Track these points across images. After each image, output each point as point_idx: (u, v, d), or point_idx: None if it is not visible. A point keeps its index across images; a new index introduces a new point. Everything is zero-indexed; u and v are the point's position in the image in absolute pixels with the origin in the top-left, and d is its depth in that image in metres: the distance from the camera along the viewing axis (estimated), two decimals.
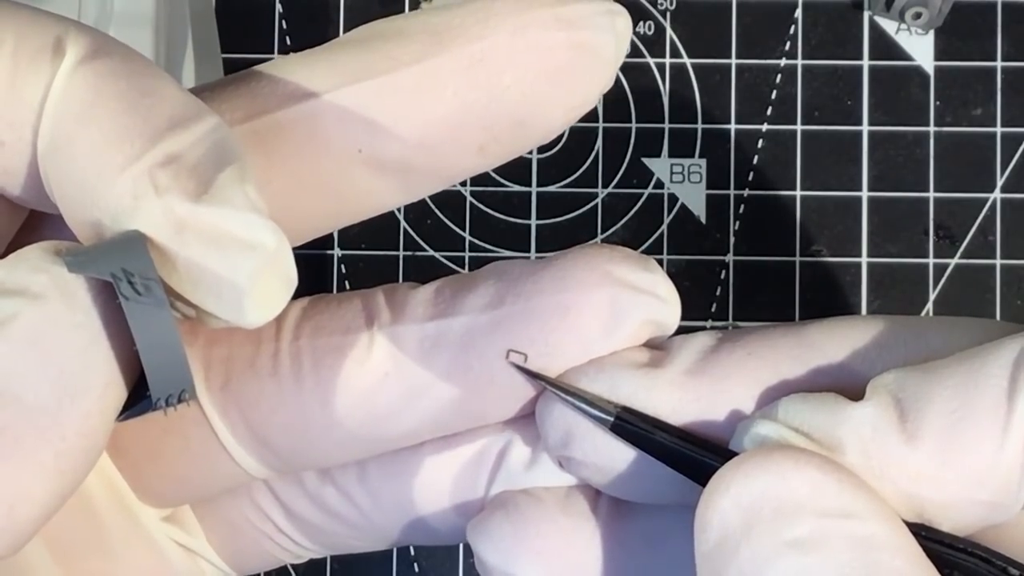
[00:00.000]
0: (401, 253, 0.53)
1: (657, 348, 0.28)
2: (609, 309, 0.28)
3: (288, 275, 0.24)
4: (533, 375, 0.27)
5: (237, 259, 0.23)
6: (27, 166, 0.25)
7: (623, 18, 0.27)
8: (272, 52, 0.56)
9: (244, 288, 0.24)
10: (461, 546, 0.51)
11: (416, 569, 0.51)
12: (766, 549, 0.23)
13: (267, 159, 0.27)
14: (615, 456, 0.27)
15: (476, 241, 0.54)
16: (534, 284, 0.28)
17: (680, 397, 0.27)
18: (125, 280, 0.23)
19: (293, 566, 0.51)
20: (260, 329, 0.28)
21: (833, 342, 0.26)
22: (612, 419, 0.27)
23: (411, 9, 0.55)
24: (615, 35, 0.28)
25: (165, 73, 0.25)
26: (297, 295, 0.28)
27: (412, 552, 0.51)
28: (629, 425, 0.27)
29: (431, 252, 0.54)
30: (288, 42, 0.56)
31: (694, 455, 0.26)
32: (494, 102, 0.27)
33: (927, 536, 0.24)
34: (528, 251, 0.54)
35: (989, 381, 0.24)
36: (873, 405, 0.24)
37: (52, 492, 0.24)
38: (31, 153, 0.25)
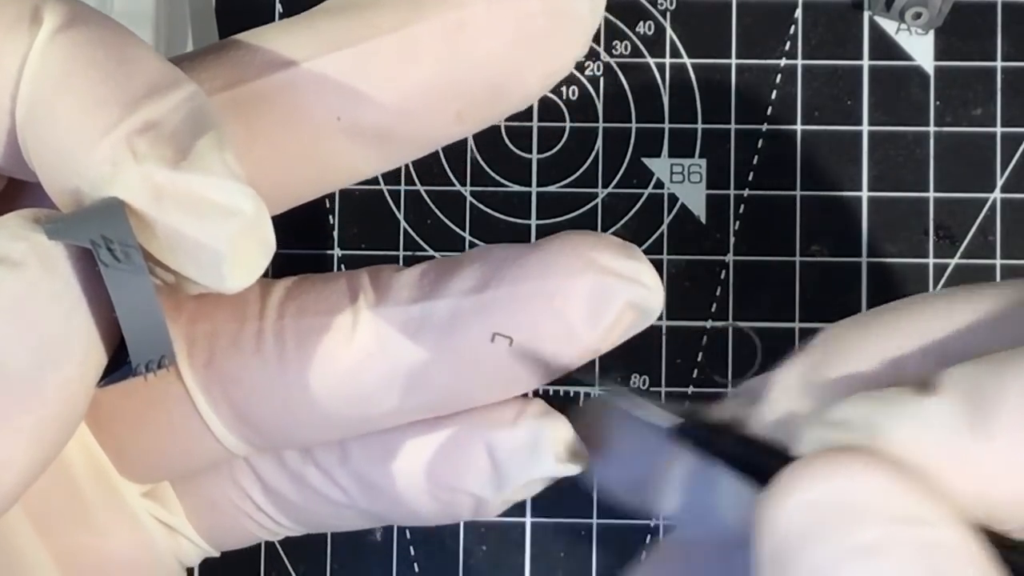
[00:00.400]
0: (401, 253, 0.53)
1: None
2: (592, 295, 0.28)
3: (267, 240, 0.24)
4: (630, 394, 0.27)
5: (216, 224, 0.23)
6: (5, 134, 0.25)
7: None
8: None
9: (223, 253, 0.24)
10: (461, 547, 0.51)
11: (416, 569, 0.51)
12: (831, 554, 0.22)
13: (246, 128, 0.27)
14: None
15: (476, 241, 0.54)
16: (519, 268, 0.28)
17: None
18: (104, 247, 0.23)
19: (292, 566, 0.51)
20: (244, 307, 0.29)
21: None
22: (674, 425, 0.26)
23: None
24: (591, 5, 0.28)
25: (143, 41, 0.25)
26: None
27: (412, 552, 0.51)
28: (692, 431, 0.26)
29: (431, 252, 0.54)
30: None
31: (759, 459, 0.26)
32: (472, 68, 0.27)
33: (999, 543, 0.23)
34: None
35: None
36: (943, 401, 0.24)
37: (33, 458, 0.24)
38: (9, 121, 0.25)
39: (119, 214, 0.23)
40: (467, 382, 0.28)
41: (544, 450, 0.30)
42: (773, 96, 0.53)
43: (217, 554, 0.34)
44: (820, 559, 0.23)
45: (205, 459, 0.30)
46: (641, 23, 0.53)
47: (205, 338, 0.28)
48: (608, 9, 0.54)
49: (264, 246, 0.24)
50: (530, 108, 0.54)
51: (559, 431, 0.30)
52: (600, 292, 0.27)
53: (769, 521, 0.23)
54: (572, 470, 0.30)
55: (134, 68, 0.24)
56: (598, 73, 0.53)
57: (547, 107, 0.53)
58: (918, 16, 0.52)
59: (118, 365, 0.25)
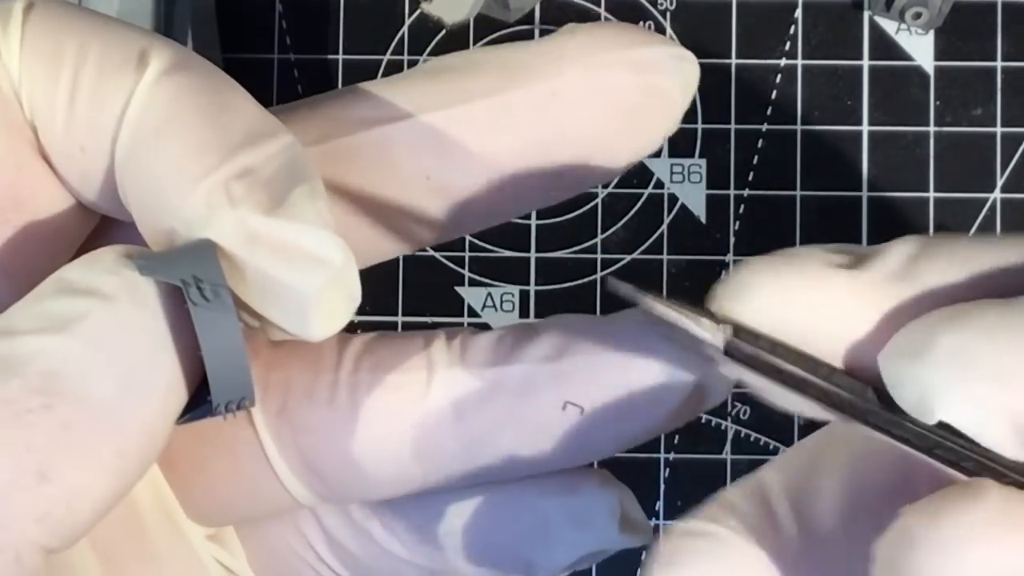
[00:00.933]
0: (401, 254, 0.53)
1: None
2: (664, 374, 0.28)
3: (352, 292, 0.25)
4: (638, 294, 0.25)
5: (305, 272, 0.24)
6: (104, 172, 0.26)
7: (692, 64, 0.27)
8: (272, 52, 0.56)
9: (310, 301, 0.24)
10: None
11: None
12: None
13: (335, 181, 0.27)
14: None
15: (476, 241, 0.54)
16: (595, 339, 0.28)
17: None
18: (194, 286, 0.24)
19: None
20: (320, 358, 0.29)
21: None
22: (724, 341, 0.24)
23: (411, 9, 0.55)
24: (684, 80, 0.28)
25: (243, 90, 0.26)
26: None
27: None
28: (744, 347, 0.24)
29: (431, 252, 0.54)
30: (288, 42, 0.56)
31: (822, 385, 0.23)
32: (562, 139, 0.28)
33: None
34: (528, 251, 0.54)
35: None
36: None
37: (110, 489, 0.24)
38: (108, 160, 0.25)
39: (211, 255, 0.24)
40: (535, 449, 0.28)
41: (602, 521, 0.30)
42: (773, 96, 0.53)
43: None
44: None
45: (271, 506, 0.30)
46: (641, 23, 0.53)
47: (279, 386, 0.29)
48: (608, 9, 0.54)
49: (350, 298, 0.25)
50: None
51: (620, 502, 0.30)
52: (671, 374, 0.28)
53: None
54: (632, 542, 0.31)
55: (234, 115, 0.25)
56: None
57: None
58: (918, 16, 0.52)
59: (198, 403, 0.25)
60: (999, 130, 0.53)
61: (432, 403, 0.28)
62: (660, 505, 0.54)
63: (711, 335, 0.24)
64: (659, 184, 0.53)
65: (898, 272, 0.24)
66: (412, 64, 0.56)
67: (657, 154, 0.53)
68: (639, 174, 0.53)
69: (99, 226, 0.28)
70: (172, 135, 0.25)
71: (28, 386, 0.23)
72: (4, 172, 0.26)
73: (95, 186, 0.26)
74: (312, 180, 0.25)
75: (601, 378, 0.28)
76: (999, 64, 0.53)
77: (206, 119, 0.25)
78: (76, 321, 0.23)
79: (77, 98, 0.25)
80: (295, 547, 0.32)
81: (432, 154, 0.28)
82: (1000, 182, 0.53)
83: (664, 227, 0.53)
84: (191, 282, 0.23)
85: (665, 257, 0.53)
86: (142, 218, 0.25)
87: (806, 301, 0.23)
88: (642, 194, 0.53)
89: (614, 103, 0.27)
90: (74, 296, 0.24)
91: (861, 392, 0.23)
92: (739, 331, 0.24)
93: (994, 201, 0.53)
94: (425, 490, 0.30)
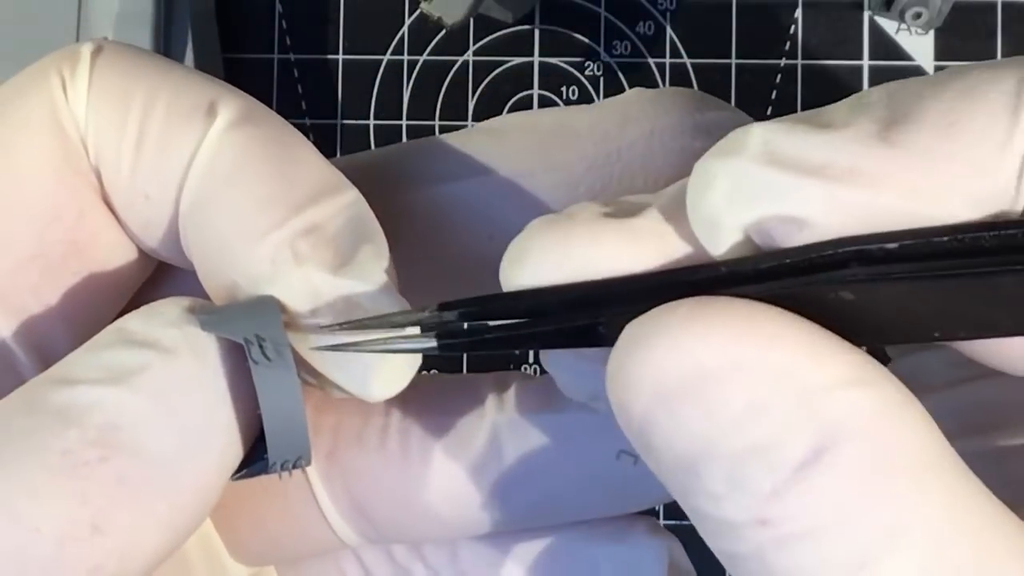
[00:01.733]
0: None
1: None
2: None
3: (414, 356, 0.24)
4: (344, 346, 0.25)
5: (368, 334, 0.24)
6: (168, 221, 0.25)
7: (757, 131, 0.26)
8: (272, 52, 0.56)
9: (373, 364, 0.24)
10: None
11: None
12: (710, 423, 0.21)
13: (396, 241, 0.27)
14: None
15: None
16: None
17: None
18: (256, 344, 0.23)
19: None
20: (370, 402, 0.29)
21: None
22: (434, 344, 0.24)
23: (411, 9, 0.55)
24: None
25: (309, 143, 0.26)
26: None
27: None
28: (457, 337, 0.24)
29: None
30: (288, 42, 0.56)
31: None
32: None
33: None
34: None
35: (989, 95, 0.21)
36: (861, 119, 0.22)
37: (162, 544, 0.24)
38: (173, 209, 0.25)
39: (274, 313, 0.23)
40: (585, 497, 0.28)
41: (651, 570, 0.30)
42: (773, 96, 0.53)
43: None
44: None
45: (316, 546, 0.30)
46: (641, 23, 0.53)
47: (330, 429, 0.29)
48: (608, 9, 0.54)
49: (411, 361, 0.25)
50: (530, 109, 0.54)
51: (669, 551, 0.30)
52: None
53: (624, 391, 0.21)
54: None
55: (301, 170, 0.25)
56: (598, 73, 0.53)
57: (547, 107, 0.53)
58: (918, 16, 0.52)
59: (253, 460, 0.25)
60: None
61: (481, 448, 0.28)
62: (659, 506, 0.54)
63: (417, 344, 0.24)
64: None
65: (666, 215, 0.23)
66: (412, 64, 0.56)
67: None
68: None
69: (157, 273, 0.28)
70: (239, 188, 0.24)
71: (86, 437, 0.23)
72: (67, 217, 0.26)
73: (158, 235, 0.26)
74: (377, 239, 0.25)
75: None
76: None
77: (273, 172, 0.25)
78: (136, 374, 0.23)
79: (144, 145, 0.25)
80: None
81: (493, 215, 0.28)
82: None
83: None
84: (253, 340, 0.23)
85: None
86: (204, 270, 0.25)
87: (583, 255, 0.23)
88: None
89: (677, 168, 0.27)
90: (134, 348, 0.23)
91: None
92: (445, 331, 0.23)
93: None
94: (473, 533, 0.30)
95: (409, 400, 0.29)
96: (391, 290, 0.24)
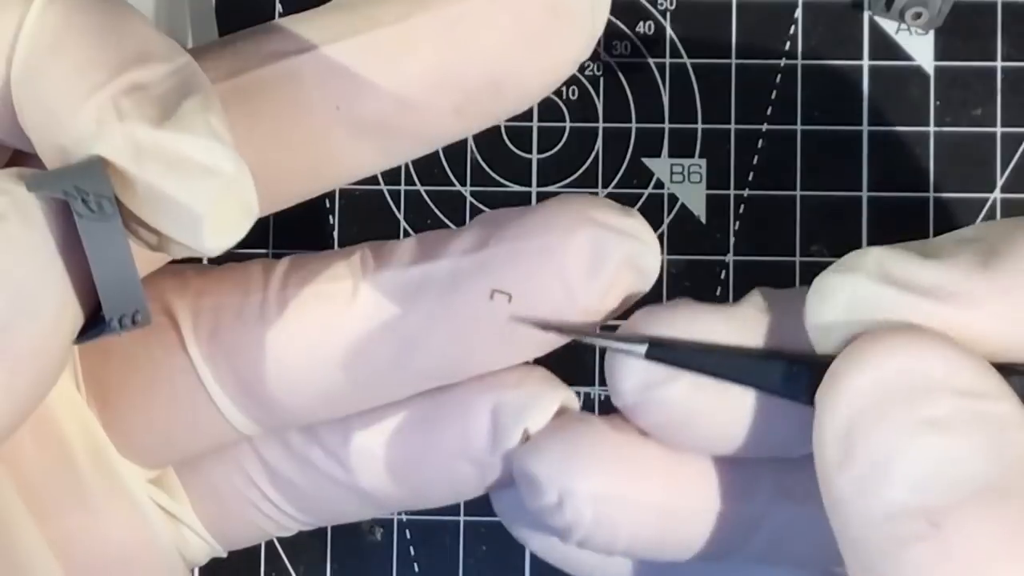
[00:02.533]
0: None
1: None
2: (591, 250, 0.28)
3: (248, 203, 0.24)
4: (551, 327, 0.27)
5: (195, 183, 0.24)
6: (1, 99, 0.25)
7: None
8: None
9: (202, 212, 0.24)
10: (461, 547, 0.51)
11: (416, 569, 0.51)
12: (901, 429, 0.23)
13: (248, 116, 0.27)
14: (693, 403, 0.27)
15: None
16: (518, 228, 0.28)
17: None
18: (79, 199, 0.23)
19: (292, 566, 0.51)
20: (248, 281, 0.29)
21: None
22: (644, 347, 0.27)
23: None
24: (592, 5, 0.28)
25: (141, 13, 0.26)
26: None
27: (412, 552, 0.51)
28: (666, 352, 0.27)
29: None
30: None
31: (758, 361, 0.27)
32: (470, 62, 0.28)
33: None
34: None
35: None
36: (965, 251, 0.25)
37: (6, 410, 0.24)
38: (4, 85, 0.25)
39: (97, 168, 0.23)
40: (467, 344, 0.28)
41: (547, 406, 0.30)
42: (773, 96, 0.53)
43: (224, 554, 0.34)
44: (888, 434, 0.23)
45: (210, 438, 0.30)
46: (641, 23, 0.53)
47: (210, 310, 0.29)
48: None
49: (245, 208, 0.24)
50: (530, 108, 0.54)
51: (563, 393, 0.30)
52: (597, 246, 0.28)
53: (835, 400, 0.24)
54: None
55: (127, 35, 0.25)
56: (598, 73, 0.53)
57: (547, 107, 0.53)
58: (918, 16, 0.52)
59: (93, 325, 0.25)
60: (999, 130, 0.53)
61: (360, 309, 0.28)
62: None
63: (634, 346, 0.27)
64: (659, 184, 0.53)
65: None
66: None
67: (657, 154, 0.53)
68: (639, 174, 0.53)
69: (11, 163, 0.28)
70: (62, 54, 0.24)
71: None
72: None
73: None
74: (205, 93, 0.24)
75: (526, 262, 0.28)
76: (999, 64, 0.53)
77: (96, 38, 0.24)
78: None
79: None
80: (238, 486, 0.31)
81: (342, 84, 0.27)
82: (1000, 182, 0.53)
83: (664, 227, 0.53)
84: (75, 195, 0.23)
85: (665, 257, 0.53)
86: (37, 140, 0.25)
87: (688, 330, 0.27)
88: (642, 194, 0.53)
89: (520, 25, 0.27)
90: None
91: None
92: (657, 340, 0.27)
93: (994, 201, 0.53)
94: (364, 406, 0.29)
95: (286, 274, 0.29)
96: (215, 138, 0.24)
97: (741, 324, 0.27)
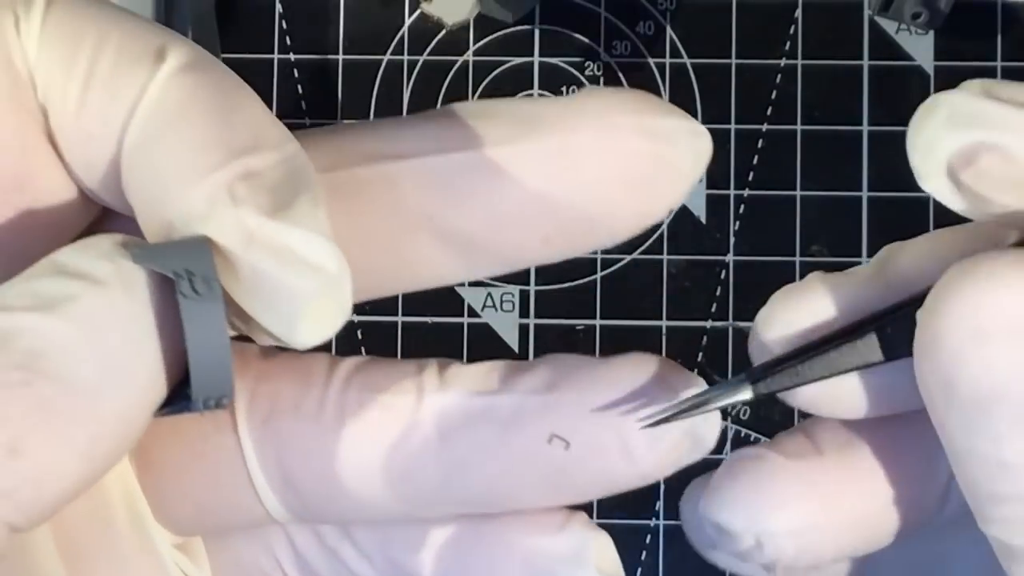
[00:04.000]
0: None
1: None
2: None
3: (343, 303, 0.25)
4: (663, 419, 0.28)
5: (299, 276, 0.24)
6: (109, 161, 0.26)
7: (705, 140, 0.28)
8: (272, 52, 0.56)
9: (300, 306, 0.24)
10: None
11: None
12: (997, 366, 0.23)
13: (342, 213, 0.27)
14: (823, 399, 0.28)
15: None
16: (588, 377, 0.29)
17: None
18: (186, 279, 0.24)
19: None
20: (310, 374, 0.29)
21: None
22: (750, 391, 0.27)
23: (411, 9, 0.55)
24: (695, 155, 0.29)
25: (256, 95, 0.26)
26: None
27: None
28: (768, 381, 0.27)
29: None
30: (288, 42, 0.56)
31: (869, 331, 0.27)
32: (569, 196, 0.28)
33: None
34: None
35: None
36: None
37: (80, 474, 0.24)
38: (115, 150, 0.25)
39: (205, 249, 0.24)
40: (516, 481, 0.28)
41: (585, 563, 0.30)
42: (773, 96, 0.53)
43: None
44: (986, 373, 0.24)
45: (243, 518, 0.30)
46: (641, 23, 0.54)
47: (267, 397, 0.29)
48: (608, 9, 0.54)
49: (340, 308, 0.25)
50: None
51: (603, 546, 0.30)
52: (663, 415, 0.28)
53: (932, 350, 0.24)
54: None
55: (245, 118, 0.25)
56: (598, 73, 0.53)
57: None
58: (918, 16, 0.52)
59: (176, 400, 0.25)
60: None
61: (418, 426, 0.28)
62: (660, 505, 0.54)
63: (741, 396, 0.28)
64: None
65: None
66: (412, 64, 0.56)
67: None
68: None
69: (100, 219, 0.28)
70: (181, 128, 0.25)
71: (10, 361, 0.23)
72: (10, 153, 0.26)
73: (99, 175, 0.26)
74: (315, 189, 0.25)
75: (590, 415, 0.28)
76: (999, 64, 0.53)
77: (217, 117, 0.25)
78: (65, 303, 0.23)
79: (91, 85, 0.25)
80: (263, 565, 0.31)
81: (437, 195, 0.28)
82: None
83: (664, 227, 0.53)
84: (183, 274, 0.24)
85: (665, 257, 0.53)
86: (142, 210, 0.25)
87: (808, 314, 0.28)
88: None
89: (625, 167, 0.28)
90: (66, 278, 0.24)
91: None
92: (756, 373, 0.27)
93: None
94: (403, 517, 0.29)
95: (350, 375, 0.29)
96: (324, 235, 0.24)
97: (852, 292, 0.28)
